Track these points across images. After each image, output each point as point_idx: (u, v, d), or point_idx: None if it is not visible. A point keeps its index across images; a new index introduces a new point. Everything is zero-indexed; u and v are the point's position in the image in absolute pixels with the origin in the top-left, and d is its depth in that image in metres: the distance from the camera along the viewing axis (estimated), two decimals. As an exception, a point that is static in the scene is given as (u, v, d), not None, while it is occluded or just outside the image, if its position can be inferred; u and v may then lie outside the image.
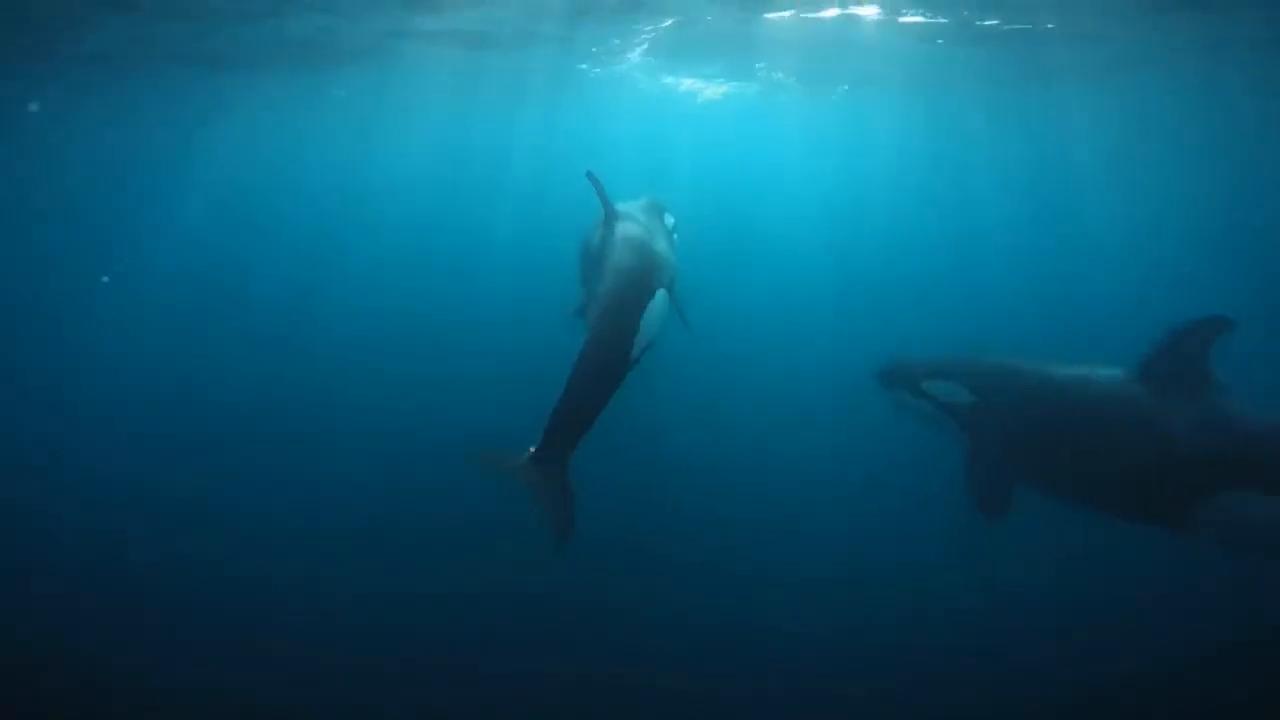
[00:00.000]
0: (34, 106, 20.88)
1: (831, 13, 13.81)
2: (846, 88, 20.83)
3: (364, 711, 8.64)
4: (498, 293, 19.39)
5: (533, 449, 5.17)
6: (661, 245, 6.30)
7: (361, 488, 12.23)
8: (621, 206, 6.82)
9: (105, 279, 17.10)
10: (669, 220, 7.55)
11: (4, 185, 30.76)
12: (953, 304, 17.72)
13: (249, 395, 15.37)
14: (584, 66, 18.84)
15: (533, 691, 8.89)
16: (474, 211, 28.77)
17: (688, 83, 21.37)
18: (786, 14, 13.95)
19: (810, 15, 14.00)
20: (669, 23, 14.72)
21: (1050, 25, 13.93)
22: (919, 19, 14.10)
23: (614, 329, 5.22)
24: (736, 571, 10.64)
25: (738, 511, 11.65)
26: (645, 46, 16.55)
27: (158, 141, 30.14)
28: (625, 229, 6.04)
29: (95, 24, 13.34)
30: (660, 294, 5.71)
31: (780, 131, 28.71)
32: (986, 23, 14.08)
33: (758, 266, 19.99)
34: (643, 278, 5.63)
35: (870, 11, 13.88)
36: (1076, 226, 26.96)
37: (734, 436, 12.85)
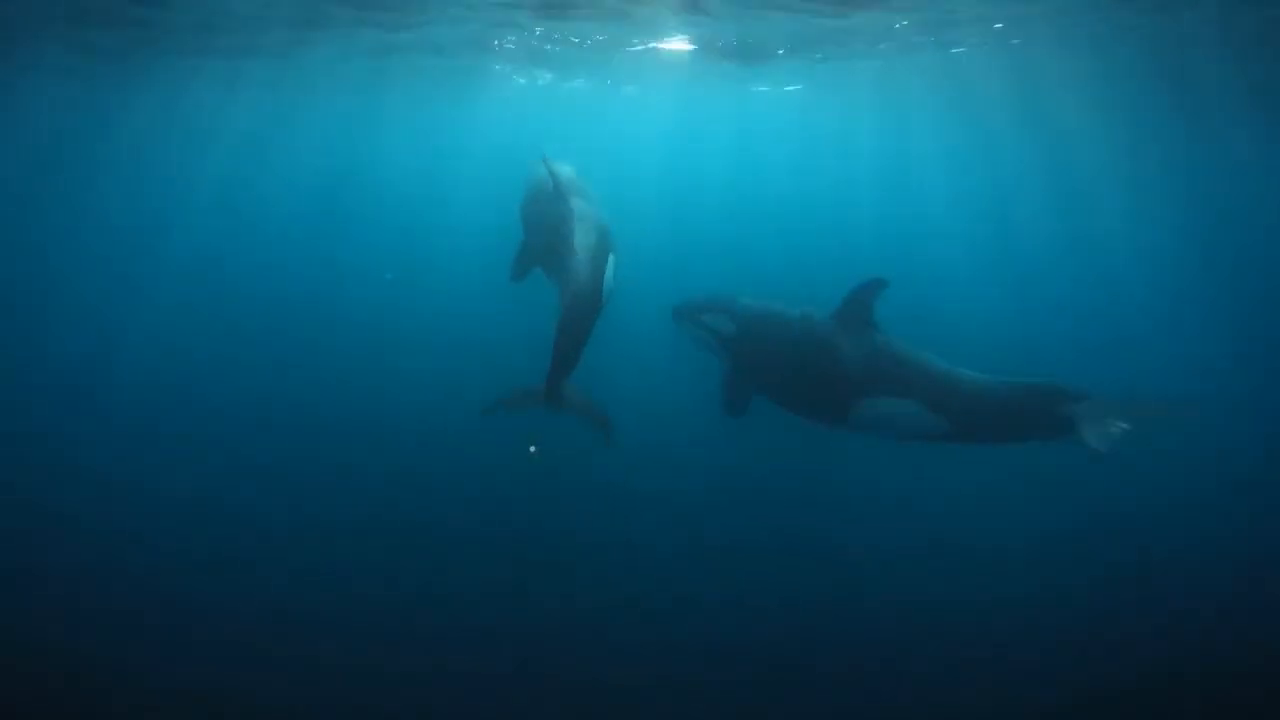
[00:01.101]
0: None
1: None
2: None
3: (364, 711, 8.67)
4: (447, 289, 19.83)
5: (543, 385, 6.48)
6: (605, 216, 7.58)
7: (361, 488, 12.32)
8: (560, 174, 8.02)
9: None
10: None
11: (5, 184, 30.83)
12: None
13: (244, 397, 15.44)
14: (498, 67, 19.01)
15: (532, 692, 8.92)
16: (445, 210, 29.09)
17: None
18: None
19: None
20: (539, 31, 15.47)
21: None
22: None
23: (589, 287, 6.61)
24: (732, 574, 10.67)
25: (726, 513, 11.70)
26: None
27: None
28: (581, 206, 7.31)
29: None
30: (611, 257, 7.10)
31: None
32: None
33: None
34: (602, 245, 7.03)
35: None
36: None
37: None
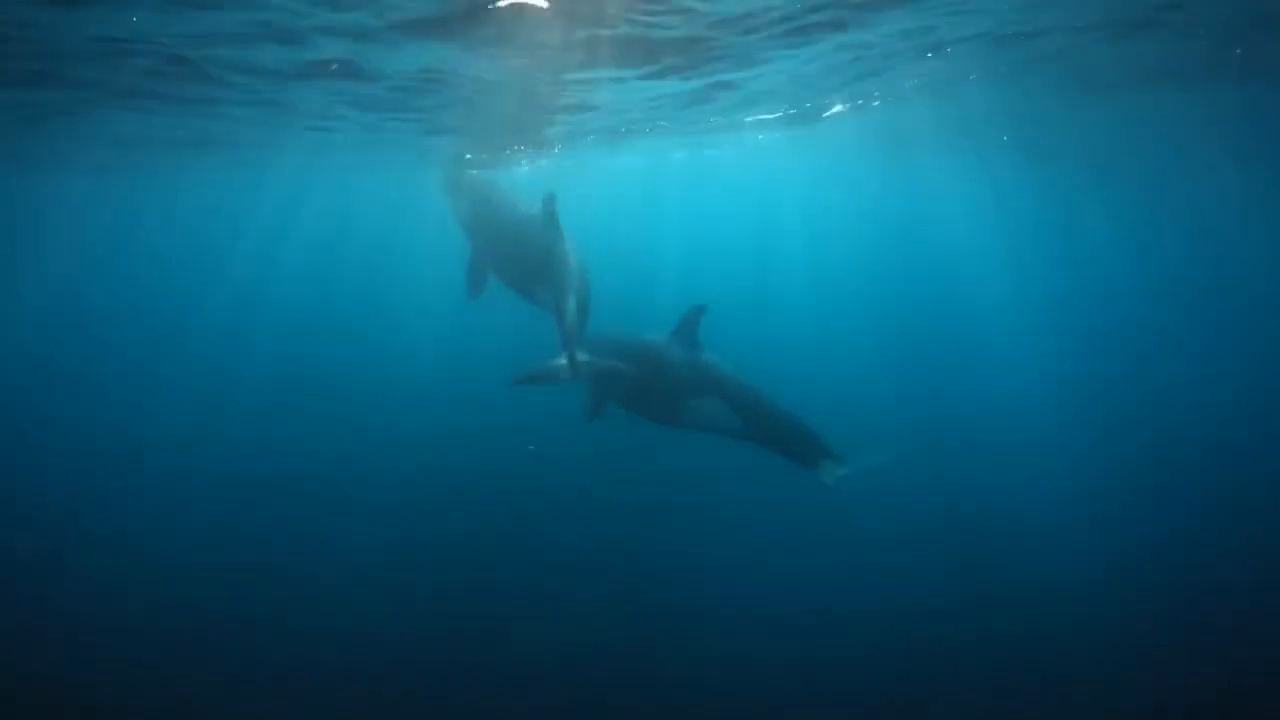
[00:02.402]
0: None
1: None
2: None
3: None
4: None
5: (563, 360, 8.28)
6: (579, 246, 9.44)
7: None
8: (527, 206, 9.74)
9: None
10: None
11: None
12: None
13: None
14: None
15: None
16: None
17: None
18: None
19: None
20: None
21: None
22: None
23: (581, 297, 8.63)
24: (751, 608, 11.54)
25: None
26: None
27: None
28: (570, 239, 9.08)
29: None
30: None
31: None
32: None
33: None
34: (585, 268, 8.99)
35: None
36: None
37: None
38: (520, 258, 9.33)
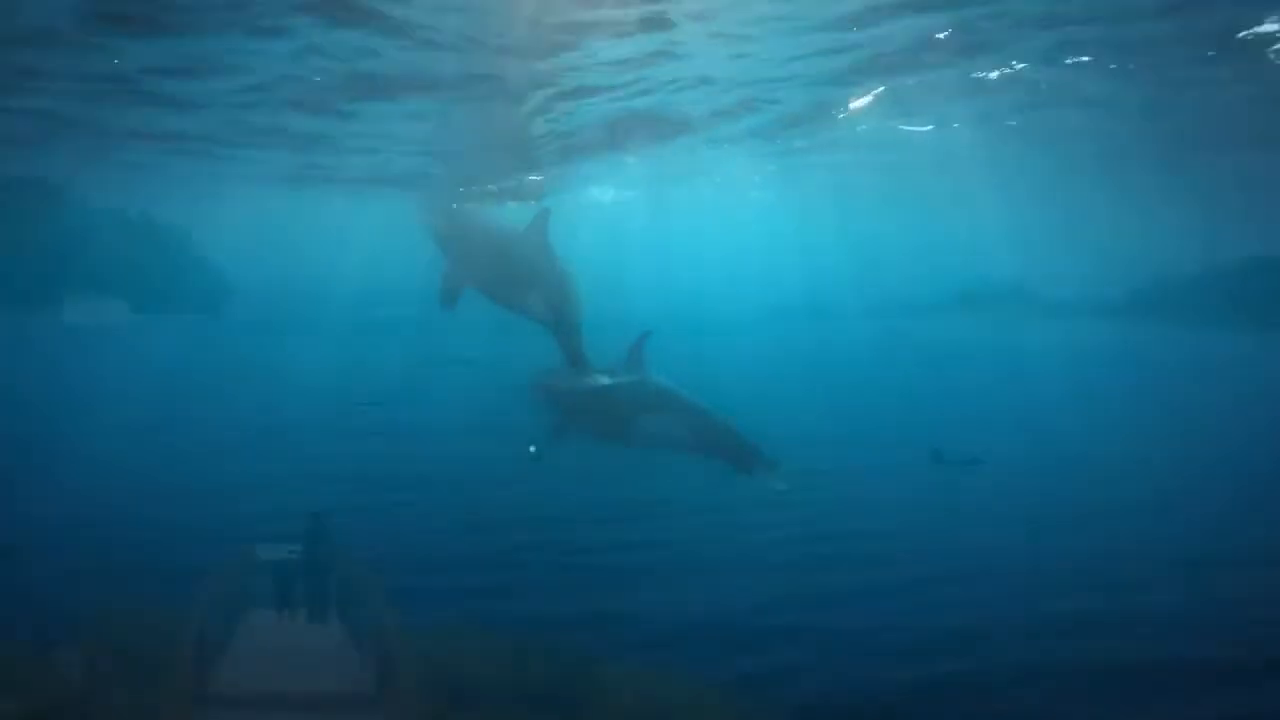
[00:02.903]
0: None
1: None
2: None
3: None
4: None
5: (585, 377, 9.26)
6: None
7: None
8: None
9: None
10: None
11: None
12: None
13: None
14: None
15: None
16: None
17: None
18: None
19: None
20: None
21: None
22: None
23: (576, 314, 9.44)
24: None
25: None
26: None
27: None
28: (560, 255, 9.72)
29: None
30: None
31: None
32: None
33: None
34: (577, 284, 9.74)
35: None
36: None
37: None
38: (509, 269, 9.80)
